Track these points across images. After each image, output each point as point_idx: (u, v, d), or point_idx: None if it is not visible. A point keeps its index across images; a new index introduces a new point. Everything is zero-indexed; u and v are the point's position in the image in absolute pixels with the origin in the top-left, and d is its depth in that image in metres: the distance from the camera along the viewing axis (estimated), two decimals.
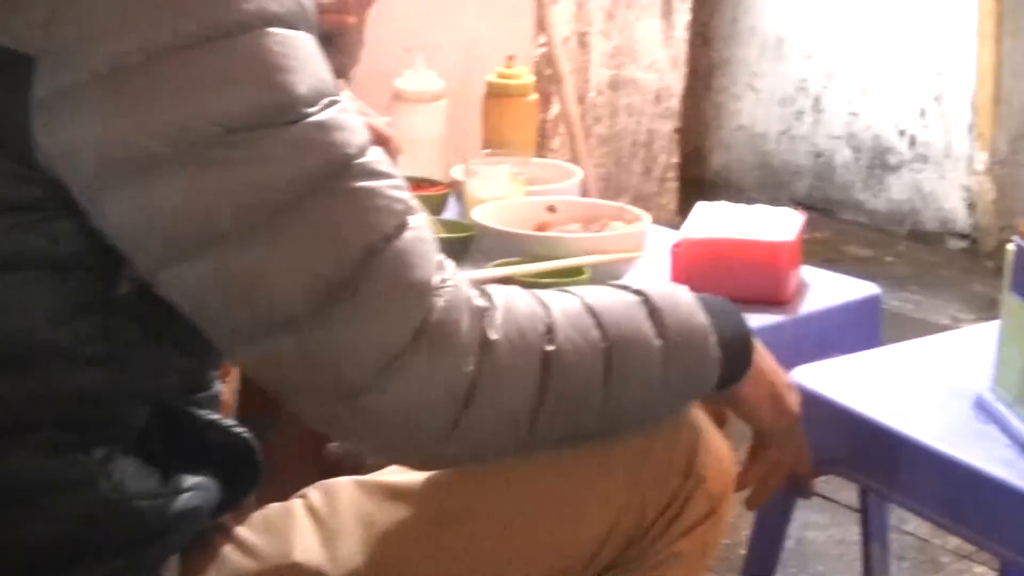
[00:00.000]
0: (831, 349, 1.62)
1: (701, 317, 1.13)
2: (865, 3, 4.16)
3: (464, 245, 1.73)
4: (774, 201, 4.49)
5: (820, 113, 4.32)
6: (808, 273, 1.80)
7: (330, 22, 1.56)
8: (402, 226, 0.99)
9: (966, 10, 3.86)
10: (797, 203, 4.34)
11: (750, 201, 1.97)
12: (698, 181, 4.43)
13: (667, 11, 3.84)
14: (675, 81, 3.97)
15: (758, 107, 4.49)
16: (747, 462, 1.28)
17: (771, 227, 1.74)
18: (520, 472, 1.13)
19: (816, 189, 4.35)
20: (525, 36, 3.45)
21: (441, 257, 1.02)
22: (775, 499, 1.38)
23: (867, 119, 4.20)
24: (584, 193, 2.17)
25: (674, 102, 3.99)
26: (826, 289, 1.78)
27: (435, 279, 1.00)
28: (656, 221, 1.87)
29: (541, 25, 3.47)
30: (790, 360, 1.52)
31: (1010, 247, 1.37)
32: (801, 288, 1.76)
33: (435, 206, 1.89)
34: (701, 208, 1.83)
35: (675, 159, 4.09)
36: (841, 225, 4.21)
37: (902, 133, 4.11)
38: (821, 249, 3.99)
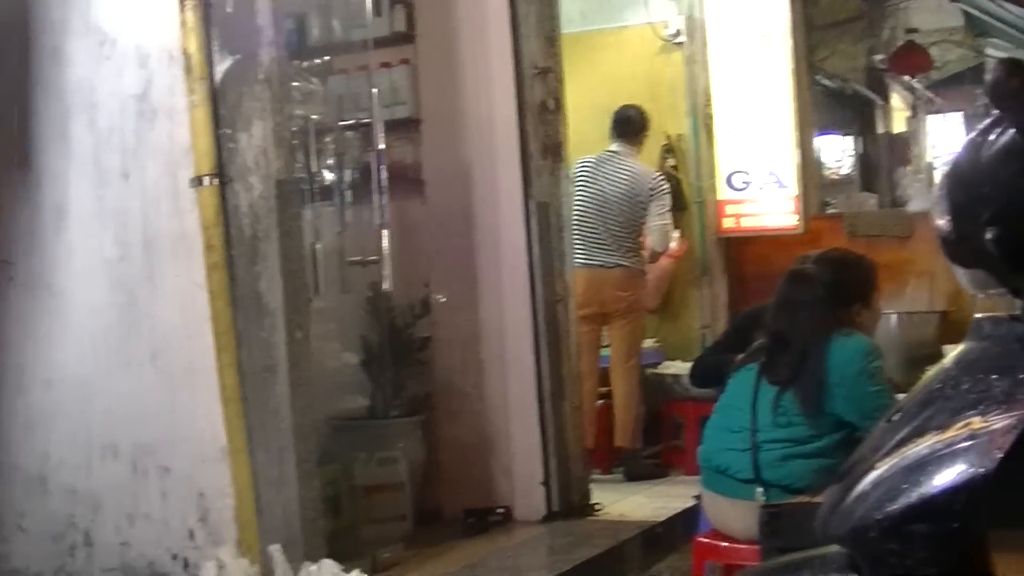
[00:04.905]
0: None
1: None
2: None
3: None
4: None
5: (91, 547, 4.28)
6: None
7: None
8: None
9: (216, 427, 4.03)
10: None
11: None
12: None
13: None
14: None
15: (29, 546, 4.37)
16: None
17: None
18: None
19: None
20: None
21: None
22: None
23: (139, 548, 4.21)
24: None
25: None
26: None
27: None
28: None
29: None
30: None
31: None
32: None
33: None
34: None
35: None
36: None
37: (175, 557, 4.16)
38: None
